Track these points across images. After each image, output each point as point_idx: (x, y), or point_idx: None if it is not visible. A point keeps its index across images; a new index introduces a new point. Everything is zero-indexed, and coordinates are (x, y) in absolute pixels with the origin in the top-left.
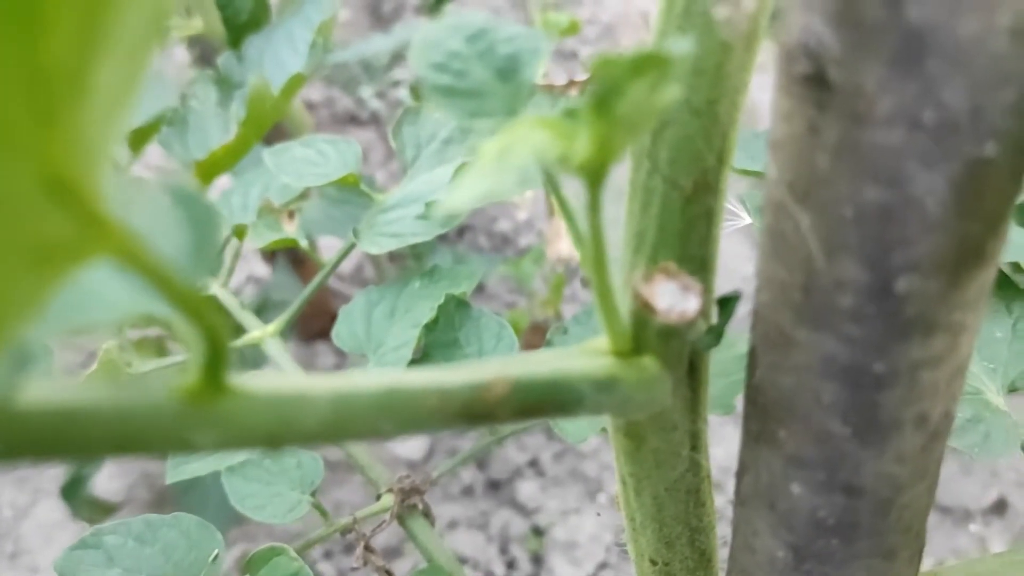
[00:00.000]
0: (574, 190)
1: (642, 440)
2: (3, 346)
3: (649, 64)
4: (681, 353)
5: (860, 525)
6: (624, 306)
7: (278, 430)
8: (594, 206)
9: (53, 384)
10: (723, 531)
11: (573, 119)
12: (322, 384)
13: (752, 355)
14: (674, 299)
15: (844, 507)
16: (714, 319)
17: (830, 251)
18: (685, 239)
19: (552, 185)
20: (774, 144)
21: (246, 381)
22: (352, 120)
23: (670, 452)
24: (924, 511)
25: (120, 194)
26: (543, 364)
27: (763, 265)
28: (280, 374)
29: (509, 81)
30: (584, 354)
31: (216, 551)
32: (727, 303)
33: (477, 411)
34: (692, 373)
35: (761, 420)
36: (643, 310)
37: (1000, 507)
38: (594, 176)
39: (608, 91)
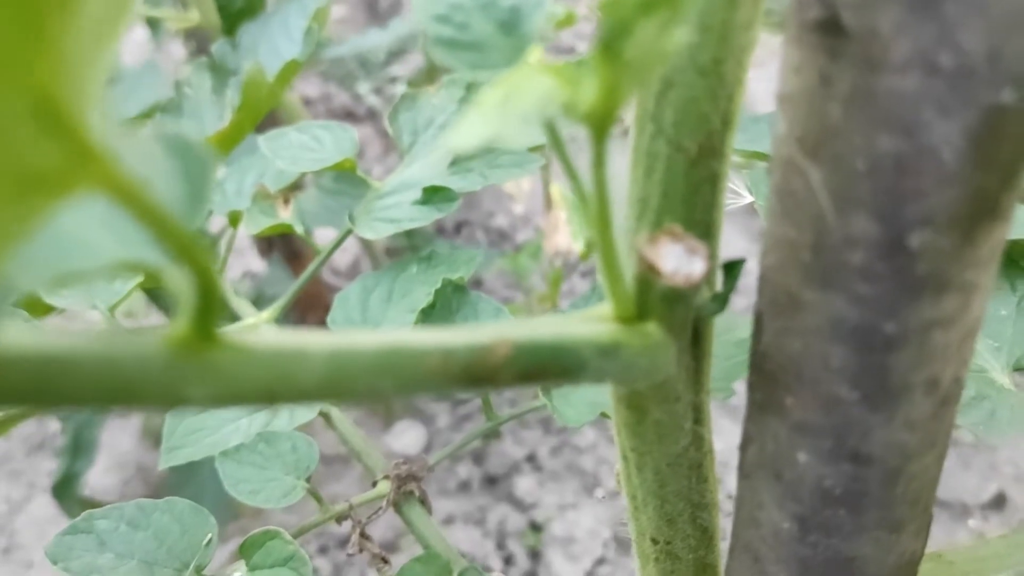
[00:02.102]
0: (578, 141)
1: (644, 412)
2: None
3: (659, 2)
4: (686, 319)
5: (868, 495)
6: (628, 273)
7: (275, 385)
8: (599, 159)
9: (38, 331)
10: (723, 527)
11: (579, 65)
12: (322, 340)
13: (758, 321)
14: (679, 262)
15: (852, 476)
16: (719, 288)
17: (841, 206)
18: (690, 204)
19: (553, 138)
20: (783, 98)
21: (242, 334)
22: (349, 115)
23: (673, 424)
24: (933, 483)
25: (112, 137)
26: (546, 328)
27: (771, 226)
28: (278, 330)
29: (511, 34)
30: (587, 319)
31: (209, 535)
32: (732, 268)
33: (479, 373)
34: (696, 342)
35: (767, 388)
36: (648, 273)
37: (999, 501)
38: (600, 125)
39: (616, 32)
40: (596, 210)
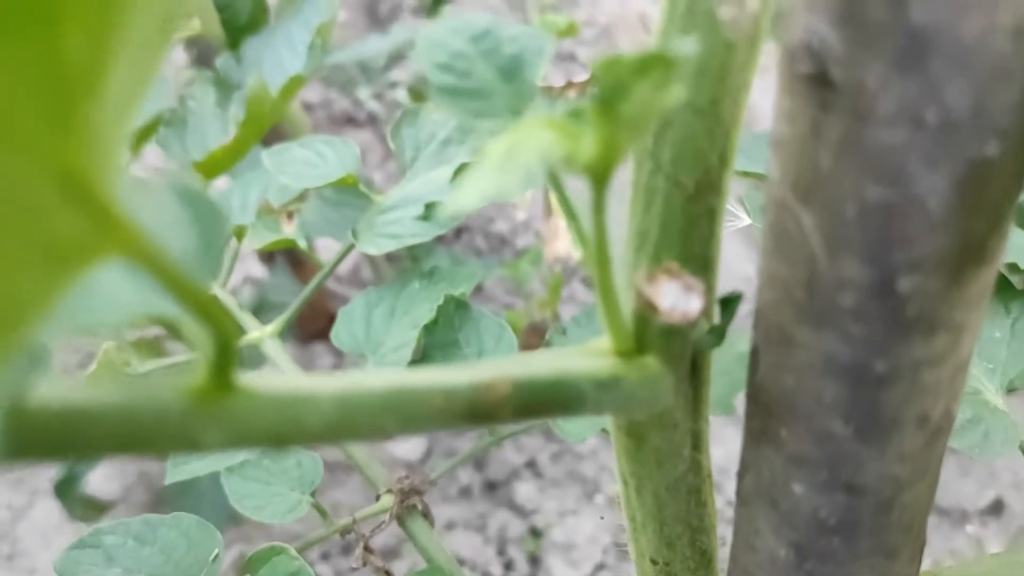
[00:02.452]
0: (576, 189)
1: (643, 439)
2: (16, 347)
3: (654, 64)
4: (683, 353)
5: (862, 524)
6: (626, 305)
7: (285, 430)
8: (599, 206)
9: (62, 384)
10: (722, 532)
11: (578, 119)
12: (328, 384)
13: (754, 354)
14: (677, 299)
15: (846, 506)
16: (716, 319)
17: (832, 250)
18: (687, 238)
19: (555, 185)
20: (776, 143)
21: (253, 381)
22: (349, 121)
23: (671, 451)
24: (925, 510)
25: (127, 194)
26: (545, 364)
27: (765, 264)
28: (284, 375)
29: (513, 81)
30: (586, 354)
31: (216, 551)
32: (729, 303)
33: (480, 411)
34: (694, 372)
35: (763, 419)
36: (646, 310)
37: (997, 508)
38: (599, 176)
39: (613, 92)
40: (595, 252)
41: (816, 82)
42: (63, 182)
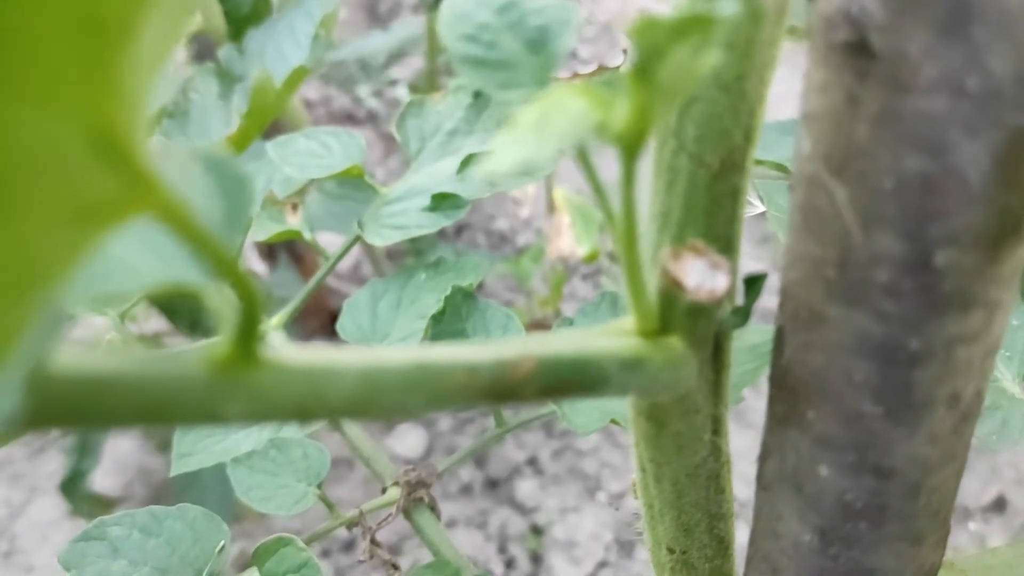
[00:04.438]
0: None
1: (664, 424)
2: (41, 306)
3: (693, 26)
4: (708, 333)
5: (889, 508)
6: (650, 286)
7: (308, 402)
8: (628, 178)
9: (84, 352)
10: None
11: (612, 87)
12: (351, 357)
13: (779, 336)
14: (703, 277)
15: (873, 490)
16: (739, 300)
17: (867, 224)
18: (711, 218)
19: (583, 158)
20: (808, 117)
21: (278, 353)
22: (349, 118)
23: (692, 436)
24: (952, 495)
25: (159, 160)
26: (569, 343)
27: (794, 242)
28: (309, 347)
29: (539, 52)
30: (610, 333)
31: (222, 543)
32: (754, 283)
33: (503, 388)
34: (716, 355)
35: (788, 402)
36: (672, 287)
37: (999, 505)
38: (632, 146)
39: (649, 56)
40: (623, 227)
41: (854, 51)
42: (96, 137)
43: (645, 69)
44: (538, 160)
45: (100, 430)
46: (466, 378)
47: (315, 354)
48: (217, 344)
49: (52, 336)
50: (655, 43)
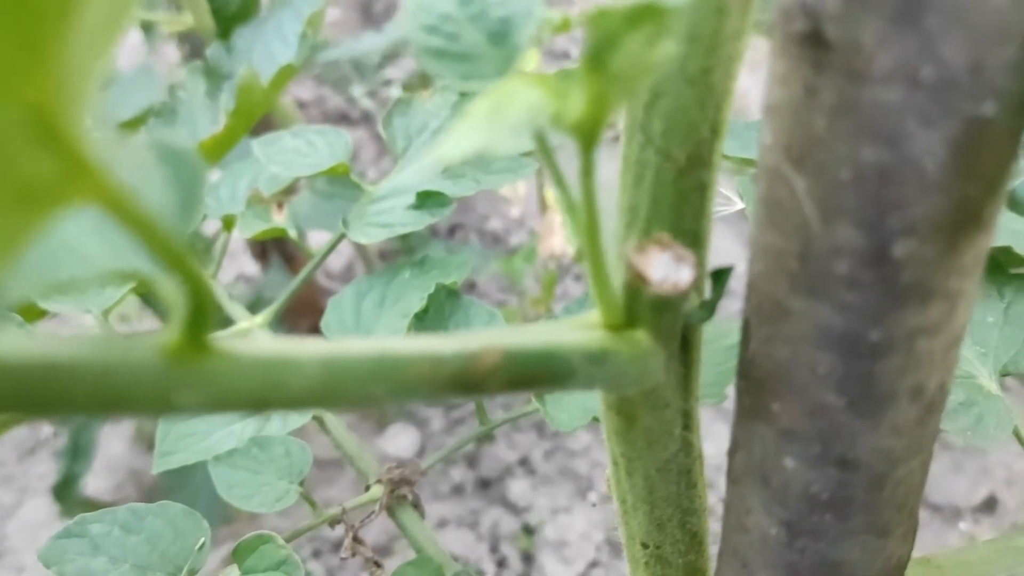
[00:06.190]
0: (566, 162)
1: (634, 419)
2: None
3: (645, 16)
4: (674, 326)
5: (854, 500)
6: (617, 281)
7: (264, 392)
8: (587, 169)
9: (36, 339)
10: (713, 527)
11: (566, 78)
12: (312, 348)
13: (746, 328)
14: (667, 270)
15: (838, 481)
16: (707, 296)
17: (826, 216)
18: (678, 212)
19: (542, 148)
20: (769, 108)
21: (232, 343)
22: (343, 119)
23: (662, 431)
24: (918, 487)
25: (104, 148)
26: (535, 336)
27: (758, 234)
28: (270, 337)
29: (502, 44)
30: (576, 327)
31: (203, 540)
32: (720, 276)
33: (468, 380)
34: (685, 349)
35: (755, 394)
36: (636, 281)
37: (990, 504)
38: (588, 136)
39: (603, 45)
40: (585, 219)
41: (810, 41)
42: (31, 118)
43: (598, 58)
44: (492, 148)
45: (50, 418)
46: (430, 369)
47: (275, 344)
48: (169, 333)
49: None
50: (608, 32)
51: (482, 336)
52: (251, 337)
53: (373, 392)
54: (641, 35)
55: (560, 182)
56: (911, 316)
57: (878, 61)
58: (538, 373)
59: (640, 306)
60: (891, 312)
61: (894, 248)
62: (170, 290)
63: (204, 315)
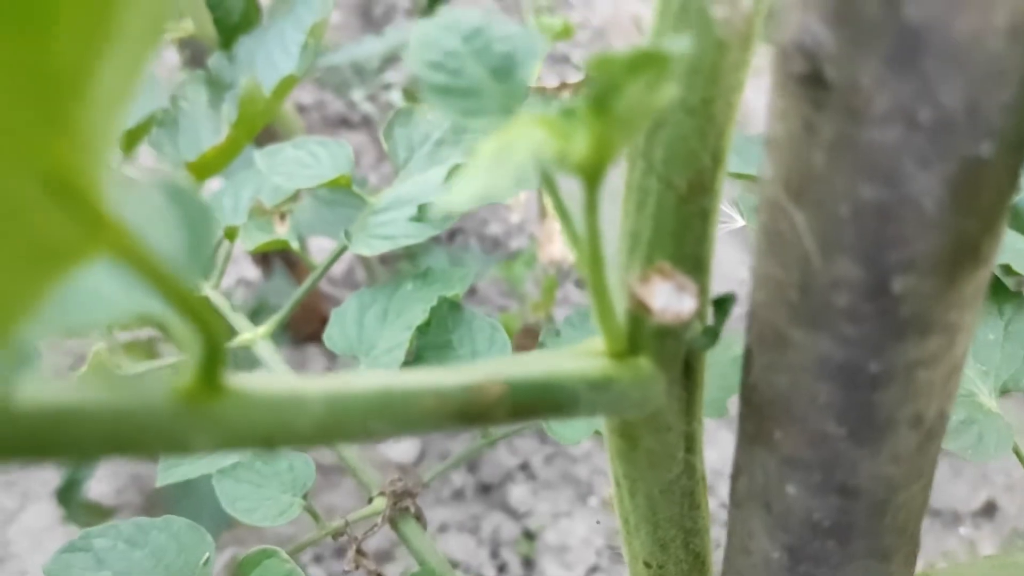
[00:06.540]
0: (569, 190)
1: (636, 441)
2: (2, 344)
3: (647, 63)
4: (676, 353)
5: (856, 526)
6: (619, 306)
7: (274, 432)
8: (591, 206)
9: (49, 384)
10: (716, 534)
11: (571, 118)
12: (317, 385)
13: (748, 356)
14: (670, 299)
15: (840, 508)
16: (710, 320)
17: (826, 250)
18: (680, 239)
19: (548, 185)
20: (770, 143)
21: (242, 382)
22: (343, 123)
23: (665, 454)
24: (919, 512)
25: (116, 193)
26: (538, 365)
27: (759, 264)
28: (274, 375)
29: (505, 80)
30: (579, 355)
31: (207, 554)
32: (723, 304)
33: (473, 412)
34: (688, 374)
35: (757, 421)
36: (638, 310)
37: (989, 510)
38: (592, 175)
39: (606, 90)
40: (588, 252)
41: (809, 81)
42: (51, 181)
43: (602, 102)
44: (497, 191)
45: (67, 462)
46: (435, 403)
47: (280, 383)
48: (182, 375)
49: (17, 373)
50: (611, 78)
51: (485, 367)
52: (259, 374)
53: (377, 427)
54: (643, 80)
55: (564, 216)
56: (910, 348)
57: (876, 102)
58: (542, 402)
59: (642, 334)
60: (890, 344)
61: (893, 283)
62: (184, 333)
63: (216, 359)
